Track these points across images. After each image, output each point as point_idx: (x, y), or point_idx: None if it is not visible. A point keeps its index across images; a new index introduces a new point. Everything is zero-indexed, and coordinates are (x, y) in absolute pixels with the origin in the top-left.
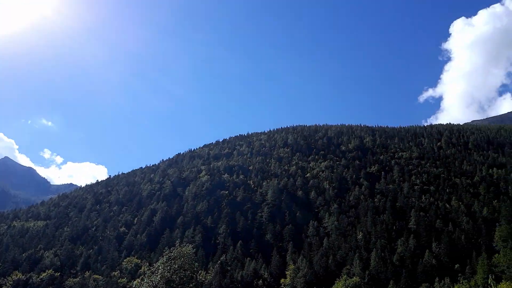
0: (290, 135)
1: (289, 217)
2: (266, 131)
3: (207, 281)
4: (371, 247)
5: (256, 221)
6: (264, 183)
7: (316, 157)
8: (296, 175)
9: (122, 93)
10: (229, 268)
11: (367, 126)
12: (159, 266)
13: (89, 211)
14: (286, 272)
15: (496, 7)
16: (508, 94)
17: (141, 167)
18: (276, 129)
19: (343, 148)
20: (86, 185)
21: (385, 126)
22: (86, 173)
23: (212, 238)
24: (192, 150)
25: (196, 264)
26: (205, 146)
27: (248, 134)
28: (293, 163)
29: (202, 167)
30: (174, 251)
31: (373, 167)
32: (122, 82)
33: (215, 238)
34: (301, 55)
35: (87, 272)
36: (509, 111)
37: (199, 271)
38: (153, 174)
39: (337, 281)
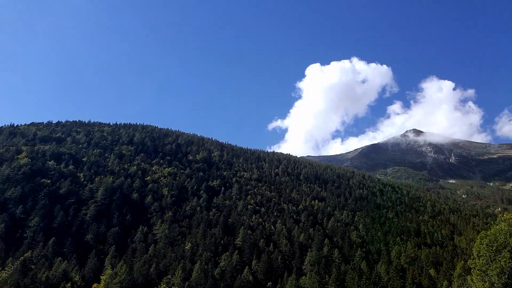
0: (138, 133)
1: (117, 219)
2: (111, 123)
3: (1, 279)
4: (196, 258)
5: (78, 219)
6: (96, 179)
7: (161, 161)
8: (135, 177)
9: None
10: (33, 267)
11: (218, 141)
12: None
13: None
14: (101, 277)
15: (346, 62)
16: (339, 139)
17: None
18: (124, 123)
19: (190, 157)
20: None
21: (234, 145)
22: None
23: (20, 231)
24: (15, 125)
25: None
26: (32, 124)
27: (89, 122)
28: (134, 163)
29: (24, 148)
30: None
31: (215, 181)
32: None
33: (23, 232)
34: (186, 52)
35: None
36: (337, 153)
37: None
38: None
39: None
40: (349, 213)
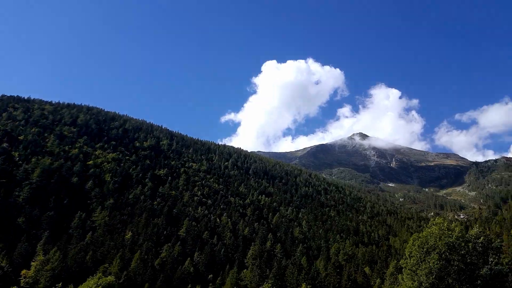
0: (82, 115)
1: (54, 204)
2: (54, 102)
3: None
4: (136, 248)
5: (10, 201)
6: (33, 159)
7: (106, 146)
8: (76, 160)
9: None
10: None
11: (168, 129)
12: None
13: None
14: (32, 263)
15: (301, 62)
16: (290, 137)
17: None
18: (67, 103)
19: (138, 144)
20: None
21: (185, 134)
22: None
23: None
24: None
25: None
26: None
27: (29, 98)
28: (76, 145)
29: None
30: None
31: (162, 170)
32: None
33: None
34: (141, 35)
35: None
36: (287, 151)
37: None
38: None
39: (89, 279)
40: (294, 209)
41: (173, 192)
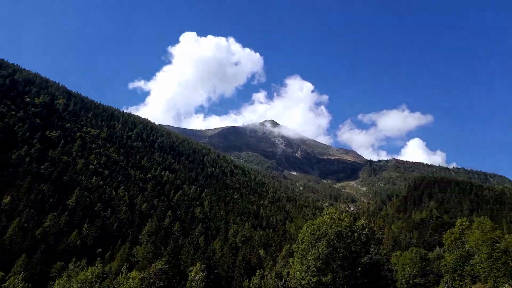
0: None
1: None
2: None
3: None
4: (15, 214)
5: None
6: None
7: None
8: None
9: None
10: None
11: (66, 87)
12: None
13: None
14: None
15: (223, 40)
16: (202, 115)
17: None
18: None
19: (28, 99)
20: None
21: (85, 96)
22: None
23: None
24: None
25: None
26: None
27: None
28: None
29: None
30: None
31: (54, 132)
32: None
33: None
34: None
35: None
36: (197, 128)
37: None
38: None
39: None
40: (198, 188)
41: (65, 157)
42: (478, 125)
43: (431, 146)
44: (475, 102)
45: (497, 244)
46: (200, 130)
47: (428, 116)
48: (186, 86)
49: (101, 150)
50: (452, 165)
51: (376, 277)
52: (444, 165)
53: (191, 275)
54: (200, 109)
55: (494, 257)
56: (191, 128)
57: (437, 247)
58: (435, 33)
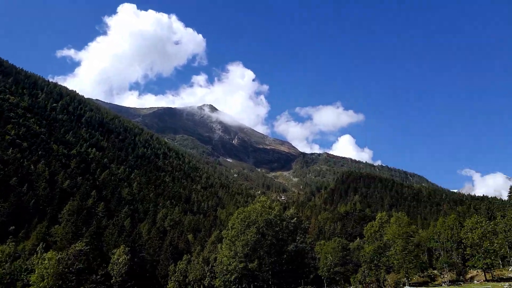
0: None
1: None
2: None
3: None
4: None
5: None
6: None
7: None
8: None
9: None
10: None
11: None
12: None
13: None
14: None
15: (164, 16)
16: (137, 92)
17: None
18: None
19: None
20: None
21: (6, 60)
22: None
23: None
24: None
25: None
26: None
27: None
28: None
29: None
30: None
31: None
32: None
33: None
34: None
35: None
36: (131, 106)
37: None
38: None
39: None
40: (127, 169)
41: None
42: (403, 127)
43: (360, 143)
44: (403, 105)
45: (411, 238)
46: (133, 108)
47: (360, 115)
48: (121, 60)
49: (21, 120)
50: (377, 163)
51: (300, 264)
52: (370, 162)
53: (113, 257)
54: (135, 86)
55: (407, 249)
56: (123, 105)
57: (358, 238)
58: (377, 34)
